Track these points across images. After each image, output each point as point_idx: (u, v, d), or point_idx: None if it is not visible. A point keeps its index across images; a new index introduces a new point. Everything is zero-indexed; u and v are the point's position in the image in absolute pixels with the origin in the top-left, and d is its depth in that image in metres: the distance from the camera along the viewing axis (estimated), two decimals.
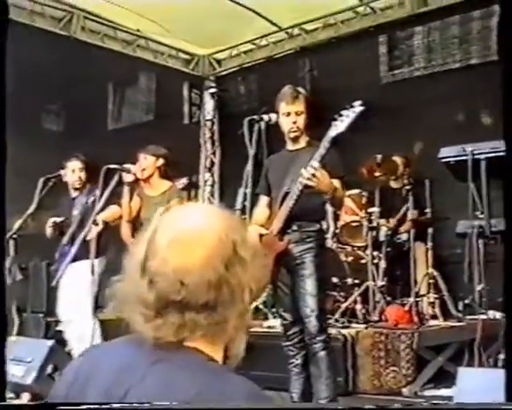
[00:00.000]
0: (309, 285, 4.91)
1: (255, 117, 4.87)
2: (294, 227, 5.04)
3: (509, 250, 3.30)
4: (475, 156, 4.29)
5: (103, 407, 1.61)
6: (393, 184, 8.54)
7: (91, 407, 1.62)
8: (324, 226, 5.42)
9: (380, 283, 7.64)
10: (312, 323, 4.87)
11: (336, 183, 4.98)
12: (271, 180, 5.32)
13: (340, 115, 4.78)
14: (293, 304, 5.05)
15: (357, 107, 4.76)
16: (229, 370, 1.76)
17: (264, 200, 5.37)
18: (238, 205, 4.58)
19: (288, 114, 5.15)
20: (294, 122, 5.14)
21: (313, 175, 4.67)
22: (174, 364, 1.68)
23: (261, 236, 5.05)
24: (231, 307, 1.72)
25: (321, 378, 4.91)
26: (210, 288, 1.67)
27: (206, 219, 1.78)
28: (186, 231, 1.73)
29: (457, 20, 9.28)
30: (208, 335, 1.71)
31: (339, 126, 4.76)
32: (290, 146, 5.28)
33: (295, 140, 5.22)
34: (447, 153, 4.45)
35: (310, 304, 4.88)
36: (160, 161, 7.05)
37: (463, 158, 4.34)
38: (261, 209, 5.34)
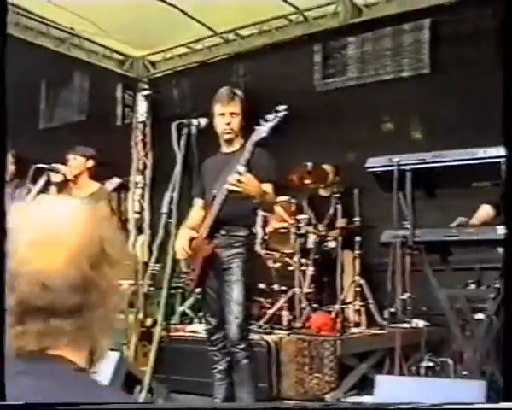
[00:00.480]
0: (234, 292, 4.88)
1: (184, 121, 4.83)
2: (223, 232, 5.02)
3: (509, 256, 3.37)
4: (401, 167, 4.34)
5: (104, 407, 1.52)
6: (323, 192, 8.61)
7: (91, 407, 1.53)
8: (254, 231, 5.39)
9: (306, 290, 7.67)
10: (233, 330, 4.84)
11: (268, 187, 4.97)
12: (205, 183, 5.28)
13: (265, 120, 4.79)
14: (219, 309, 5.03)
15: (282, 111, 4.78)
16: (97, 379, 1.64)
17: (199, 202, 5.33)
18: (164, 208, 4.53)
19: (223, 115, 5.13)
20: (228, 123, 5.11)
21: (238, 181, 4.68)
22: (39, 376, 1.53)
23: (192, 239, 5.03)
24: (98, 310, 1.59)
25: (243, 386, 4.90)
26: (75, 290, 1.54)
27: (70, 215, 1.62)
28: (48, 228, 1.57)
29: (389, 32, 9.43)
30: (73, 341, 1.57)
31: (262, 131, 4.78)
32: (225, 148, 5.26)
33: (229, 142, 5.19)
34: (374, 163, 4.49)
35: (234, 311, 4.85)
36: (90, 162, 7.02)
37: (389, 168, 4.39)
38: (195, 212, 5.31)
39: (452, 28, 9.11)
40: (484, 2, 8.69)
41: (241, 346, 4.86)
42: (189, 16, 9.95)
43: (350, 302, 7.87)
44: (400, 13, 9.20)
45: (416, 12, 9.09)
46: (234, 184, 4.70)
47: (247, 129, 5.20)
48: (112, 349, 5.48)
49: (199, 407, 4.18)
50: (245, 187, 4.70)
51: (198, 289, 5.26)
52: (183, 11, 9.74)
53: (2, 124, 1.94)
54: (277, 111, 4.80)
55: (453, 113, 8.68)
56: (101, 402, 1.53)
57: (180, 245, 4.99)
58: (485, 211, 5.09)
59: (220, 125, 5.16)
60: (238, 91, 5.31)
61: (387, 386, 3.83)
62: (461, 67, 8.94)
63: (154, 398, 4.39)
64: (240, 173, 4.69)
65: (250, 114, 5.26)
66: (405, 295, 7.26)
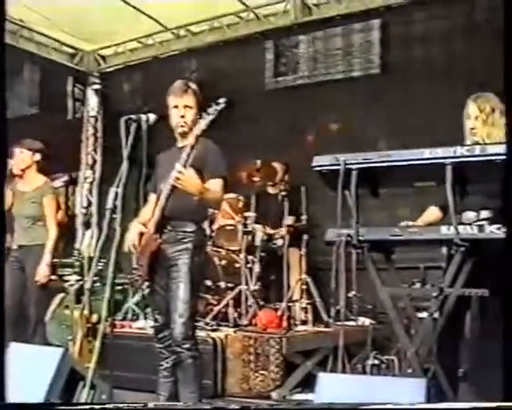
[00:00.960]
0: (180, 290, 4.78)
1: (132, 116, 4.76)
2: (169, 227, 4.95)
3: (509, 254, 3.40)
4: (347, 166, 4.34)
5: (105, 406, 1.51)
6: (271, 190, 8.61)
7: (91, 407, 1.52)
8: (204, 227, 5.28)
9: (253, 287, 7.66)
10: (178, 329, 4.75)
11: (216, 183, 4.92)
12: (158, 177, 5.20)
13: (207, 113, 4.77)
14: (166, 307, 4.95)
15: (221, 104, 4.76)
16: None
17: (152, 197, 5.26)
18: (109, 204, 4.47)
19: (176, 108, 5.04)
20: (182, 116, 5.02)
21: (177, 177, 4.64)
22: None
23: (142, 234, 4.97)
24: None
25: (186, 386, 4.84)
26: None
27: None
28: None
29: (340, 31, 9.49)
30: None
31: (202, 124, 4.75)
32: (179, 142, 5.12)
33: (183, 136, 5.05)
34: (320, 161, 4.47)
35: (179, 309, 4.76)
36: (37, 156, 6.94)
37: (336, 167, 4.38)
38: (149, 207, 5.23)
39: (402, 29, 9.21)
40: (433, 3, 8.81)
41: (186, 346, 4.78)
42: (140, 11, 9.93)
43: (296, 300, 7.90)
44: (351, 13, 9.30)
45: (365, 12, 9.18)
46: (174, 181, 4.66)
47: None
48: (57, 345, 5.43)
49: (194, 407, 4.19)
50: (183, 183, 4.66)
51: (146, 286, 5.19)
52: (134, 7, 9.72)
53: (2, 123, 1.93)
54: (218, 104, 4.77)
55: (403, 113, 8.78)
56: (102, 402, 1.54)
57: (130, 240, 4.94)
58: (432, 213, 5.13)
59: (174, 118, 5.06)
60: (192, 84, 5.21)
61: (329, 384, 3.84)
62: (411, 68, 9.05)
63: (96, 394, 4.35)
64: (179, 171, 4.64)
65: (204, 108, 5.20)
66: (351, 294, 7.33)
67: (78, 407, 3.93)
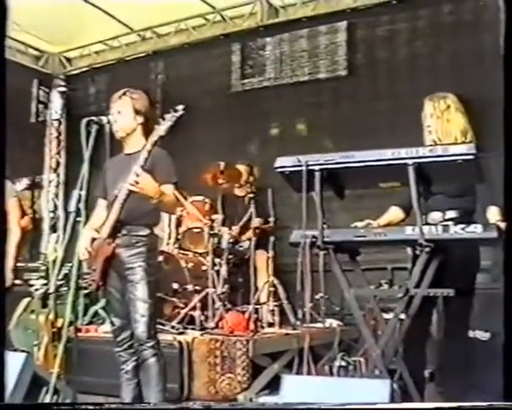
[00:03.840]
0: (139, 291, 4.85)
1: (93, 118, 4.74)
2: (124, 231, 4.96)
3: (509, 254, 3.39)
4: (310, 167, 4.32)
5: (103, 407, 1.49)
6: (238, 192, 8.58)
7: (90, 407, 1.49)
8: (156, 232, 5.30)
9: (220, 290, 7.62)
10: (140, 329, 4.81)
11: (168, 188, 4.93)
12: (108, 183, 5.21)
13: (163, 119, 4.76)
14: (123, 309, 4.98)
15: (180, 111, 4.76)
16: None
17: (101, 203, 5.25)
18: (72, 207, 4.44)
19: (112, 114, 5.04)
20: (115, 121, 5.00)
21: (136, 181, 4.64)
22: None
23: (94, 240, 4.96)
24: None
25: (150, 386, 4.85)
26: None
27: None
28: None
29: (306, 33, 9.51)
30: None
31: (160, 130, 4.75)
32: (126, 149, 5.17)
33: (127, 142, 5.13)
34: (282, 163, 4.45)
35: (139, 309, 4.82)
36: None
37: (298, 169, 4.36)
38: (98, 212, 5.23)
39: (368, 31, 9.25)
40: (399, 6, 8.86)
41: (150, 344, 4.83)
42: (106, 13, 9.88)
43: (264, 303, 7.87)
44: (317, 15, 9.32)
45: (331, 14, 9.21)
46: (132, 185, 4.66)
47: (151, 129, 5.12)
48: (23, 350, 5.37)
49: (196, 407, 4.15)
50: (141, 188, 4.67)
51: (100, 290, 5.17)
52: (100, 8, 9.67)
53: (1, 126, 1.89)
54: (176, 110, 4.78)
55: (368, 114, 8.81)
56: (102, 402, 1.52)
57: (82, 246, 4.92)
58: (393, 213, 5.13)
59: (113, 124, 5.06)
60: (134, 92, 5.19)
61: (293, 386, 3.83)
62: (377, 70, 9.08)
63: (60, 399, 4.31)
64: (137, 174, 4.66)
65: (153, 115, 5.21)
66: (318, 296, 7.30)
67: (77, 407, 3.90)
